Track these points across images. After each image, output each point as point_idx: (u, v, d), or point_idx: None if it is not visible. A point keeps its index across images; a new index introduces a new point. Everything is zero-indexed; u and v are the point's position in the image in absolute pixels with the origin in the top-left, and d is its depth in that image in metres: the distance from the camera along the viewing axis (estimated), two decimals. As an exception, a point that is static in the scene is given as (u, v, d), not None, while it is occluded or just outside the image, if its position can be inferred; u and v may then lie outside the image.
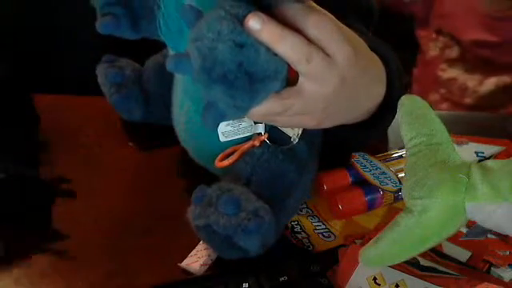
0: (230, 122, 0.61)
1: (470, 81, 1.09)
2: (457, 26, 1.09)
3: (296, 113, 0.55)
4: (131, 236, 0.64)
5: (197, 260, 0.61)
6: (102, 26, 0.61)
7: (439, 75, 1.14)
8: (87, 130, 0.78)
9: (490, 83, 1.07)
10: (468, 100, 1.09)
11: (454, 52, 1.12)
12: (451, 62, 1.12)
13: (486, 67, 1.07)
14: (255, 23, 0.48)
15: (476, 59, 1.08)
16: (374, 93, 0.61)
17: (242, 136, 0.64)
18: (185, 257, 0.61)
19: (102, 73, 0.75)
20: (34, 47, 0.81)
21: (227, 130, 0.63)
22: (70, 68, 0.83)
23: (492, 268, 0.60)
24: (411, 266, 0.58)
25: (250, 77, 0.49)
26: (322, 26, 0.51)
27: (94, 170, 0.72)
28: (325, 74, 0.52)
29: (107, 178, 0.72)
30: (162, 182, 0.72)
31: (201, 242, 0.63)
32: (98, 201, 0.68)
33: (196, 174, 0.68)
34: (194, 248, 0.62)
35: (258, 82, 0.49)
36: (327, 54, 0.52)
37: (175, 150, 0.75)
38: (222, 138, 0.63)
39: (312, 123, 0.57)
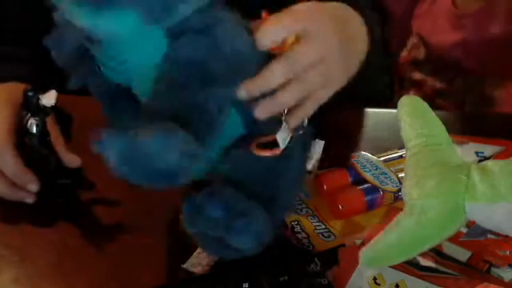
0: (283, 127, 0.59)
1: (439, 83, 1.10)
2: (426, 26, 1.11)
3: (316, 61, 0.58)
4: (131, 236, 0.64)
5: (199, 261, 0.61)
6: (72, 82, 0.60)
7: (408, 76, 1.15)
8: (87, 130, 0.78)
9: (458, 84, 1.08)
10: (439, 101, 1.10)
11: (420, 53, 1.13)
12: (418, 64, 1.13)
13: (451, 69, 1.08)
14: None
15: (441, 61, 1.09)
16: (363, 35, 0.66)
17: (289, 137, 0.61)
18: (185, 257, 0.61)
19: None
20: (36, 47, 0.80)
21: (284, 137, 0.60)
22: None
23: (492, 268, 0.60)
24: (411, 266, 0.58)
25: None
26: (279, 24, 0.56)
27: (93, 170, 0.72)
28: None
29: (107, 178, 0.71)
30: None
31: None
32: (98, 201, 0.68)
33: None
34: (194, 248, 0.62)
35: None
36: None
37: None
38: (283, 146, 0.60)
39: (341, 72, 0.61)
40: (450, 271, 0.59)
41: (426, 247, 0.56)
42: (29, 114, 0.63)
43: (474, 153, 0.73)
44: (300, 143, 0.64)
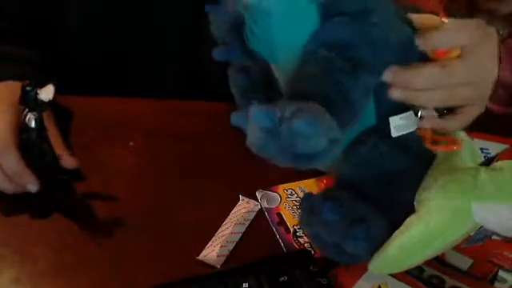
0: (403, 115, 0.59)
1: None
2: None
3: (470, 81, 0.57)
4: (131, 236, 0.64)
5: (213, 250, 0.62)
6: (216, 53, 0.61)
7: None
8: (87, 129, 0.78)
9: None
10: None
11: None
12: None
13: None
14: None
15: None
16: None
17: (411, 130, 0.60)
18: (185, 256, 0.61)
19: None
20: (36, 47, 0.81)
21: (400, 124, 0.59)
22: (71, 68, 0.83)
23: (500, 271, 0.59)
24: (417, 280, 0.58)
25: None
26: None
27: (93, 169, 0.72)
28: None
29: (107, 177, 0.72)
30: (161, 182, 0.72)
31: (215, 234, 0.63)
32: (97, 201, 0.68)
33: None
34: (193, 248, 0.63)
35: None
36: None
37: (175, 150, 0.75)
38: (394, 133, 0.59)
39: (475, 94, 0.59)
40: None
41: (433, 250, 0.56)
42: (27, 109, 0.63)
43: (479, 149, 0.72)
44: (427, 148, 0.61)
